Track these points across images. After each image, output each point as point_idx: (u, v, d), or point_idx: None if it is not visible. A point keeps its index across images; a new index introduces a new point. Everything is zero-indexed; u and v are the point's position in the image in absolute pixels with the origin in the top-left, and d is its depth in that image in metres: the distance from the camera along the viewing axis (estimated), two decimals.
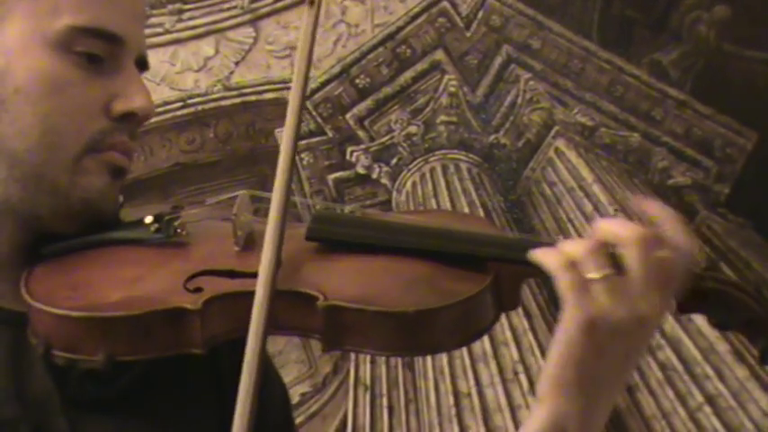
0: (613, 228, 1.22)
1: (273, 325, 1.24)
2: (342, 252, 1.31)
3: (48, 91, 1.29)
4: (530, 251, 1.24)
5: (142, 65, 1.37)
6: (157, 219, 1.35)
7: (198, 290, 1.26)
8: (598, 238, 1.22)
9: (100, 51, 1.31)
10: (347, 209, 3.12)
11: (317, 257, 1.30)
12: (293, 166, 1.30)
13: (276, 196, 1.27)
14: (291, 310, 1.24)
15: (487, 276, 1.26)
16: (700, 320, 3.16)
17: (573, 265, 1.21)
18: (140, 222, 1.35)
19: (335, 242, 1.31)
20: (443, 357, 3.25)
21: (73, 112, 1.30)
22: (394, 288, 1.26)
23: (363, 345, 1.24)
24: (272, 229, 1.25)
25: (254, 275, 1.23)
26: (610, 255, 1.21)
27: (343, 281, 1.26)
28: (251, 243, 1.33)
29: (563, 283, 1.21)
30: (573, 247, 1.22)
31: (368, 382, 3.29)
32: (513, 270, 1.29)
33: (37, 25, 1.30)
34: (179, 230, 1.34)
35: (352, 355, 3.28)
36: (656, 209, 1.25)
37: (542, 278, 1.24)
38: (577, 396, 1.22)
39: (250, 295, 1.21)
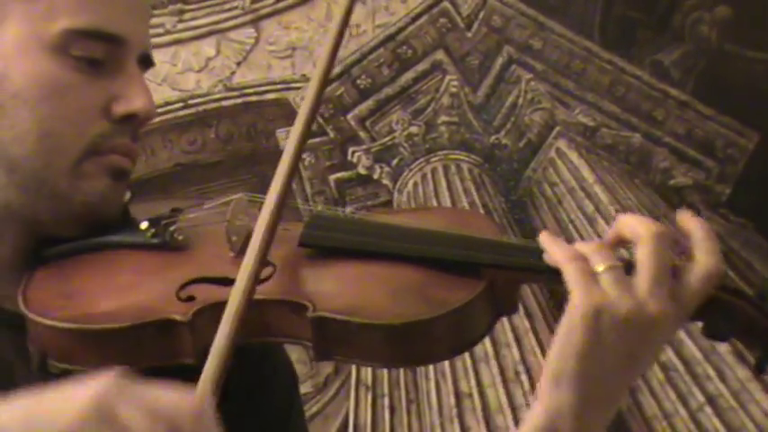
0: (631, 222, 1.21)
1: (266, 332, 1.23)
2: (335, 258, 1.28)
3: (45, 95, 1.28)
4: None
5: (146, 62, 1.35)
6: (153, 223, 1.34)
7: (190, 299, 1.24)
8: (613, 232, 1.22)
9: (99, 54, 1.29)
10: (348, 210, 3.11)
11: (311, 264, 1.28)
12: (296, 167, 1.28)
13: (270, 199, 1.25)
14: (283, 318, 1.22)
15: (481, 283, 1.23)
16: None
17: (580, 257, 1.19)
18: (139, 226, 1.34)
19: (329, 248, 1.29)
20: None
21: (71, 115, 1.28)
22: (383, 298, 1.23)
23: (353, 355, 1.22)
24: (261, 230, 1.22)
25: None
26: (621, 251, 1.20)
27: (334, 290, 1.24)
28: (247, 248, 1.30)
29: (570, 273, 1.18)
30: (582, 245, 1.21)
31: (369, 382, 3.28)
32: (509, 275, 1.26)
33: (33, 29, 1.28)
34: (175, 235, 1.32)
35: None
36: (691, 222, 1.22)
37: (539, 282, 1.22)
38: (574, 390, 1.18)
39: None
